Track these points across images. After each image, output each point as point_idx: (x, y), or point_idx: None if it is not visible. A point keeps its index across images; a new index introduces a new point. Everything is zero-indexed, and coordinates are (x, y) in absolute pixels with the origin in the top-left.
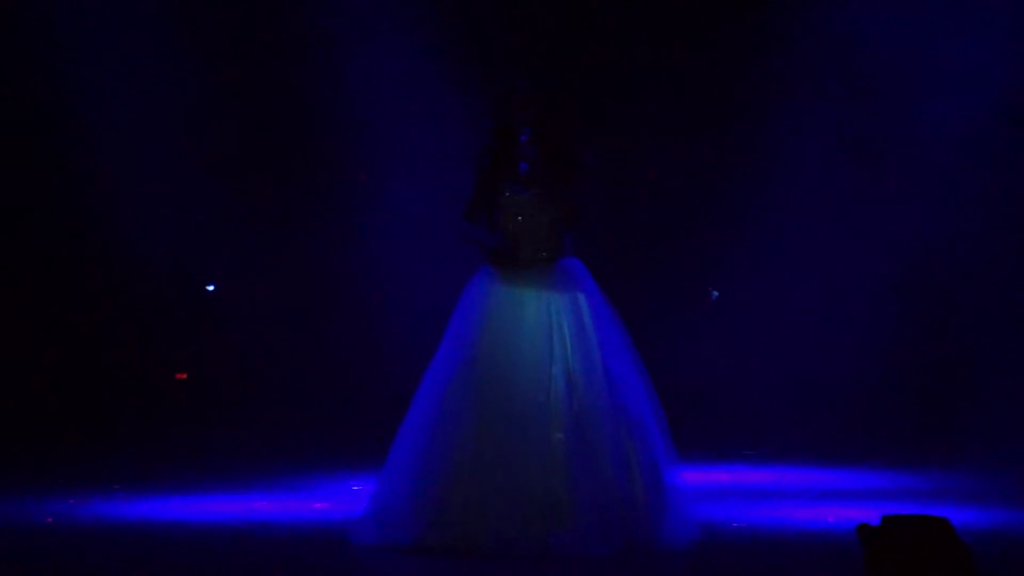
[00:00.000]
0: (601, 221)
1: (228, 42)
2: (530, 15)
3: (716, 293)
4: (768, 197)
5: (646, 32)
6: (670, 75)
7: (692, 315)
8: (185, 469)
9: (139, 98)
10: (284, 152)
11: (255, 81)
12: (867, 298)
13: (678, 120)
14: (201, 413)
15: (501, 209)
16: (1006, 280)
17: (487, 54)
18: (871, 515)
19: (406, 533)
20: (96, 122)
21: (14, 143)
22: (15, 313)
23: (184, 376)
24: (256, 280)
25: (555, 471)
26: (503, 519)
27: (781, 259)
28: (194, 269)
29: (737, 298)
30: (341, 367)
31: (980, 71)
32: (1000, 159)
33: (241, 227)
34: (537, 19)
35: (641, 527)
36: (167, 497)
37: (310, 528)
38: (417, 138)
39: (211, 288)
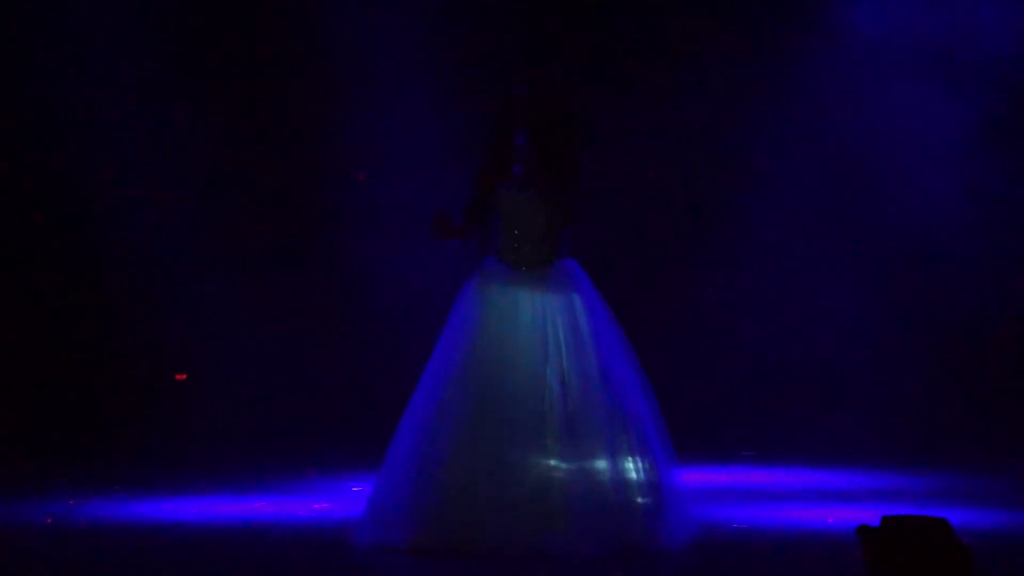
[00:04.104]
0: (598, 222)
1: (229, 48)
2: (532, 18)
3: (714, 293)
4: (767, 197)
5: (646, 35)
6: (668, 75)
7: (690, 315)
8: (185, 470)
9: (142, 99)
10: (284, 152)
11: (255, 83)
12: (868, 299)
13: (675, 120)
14: (201, 413)
15: (497, 209)
16: (1005, 280)
17: (490, 57)
18: (871, 516)
19: (403, 534)
20: (99, 122)
21: (14, 141)
22: (14, 313)
23: (184, 377)
24: (255, 280)
25: (549, 472)
26: (498, 520)
27: (781, 259)
28: (195, 269)
29: (736, 298)
30: (340, 368)
31: (968, 73)
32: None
33: (243, 227)
34: (539, 21)
35: (637, 528)
36: (167, 497)
37: (310, 529)
38: (416, 139)
39: (212, 289)
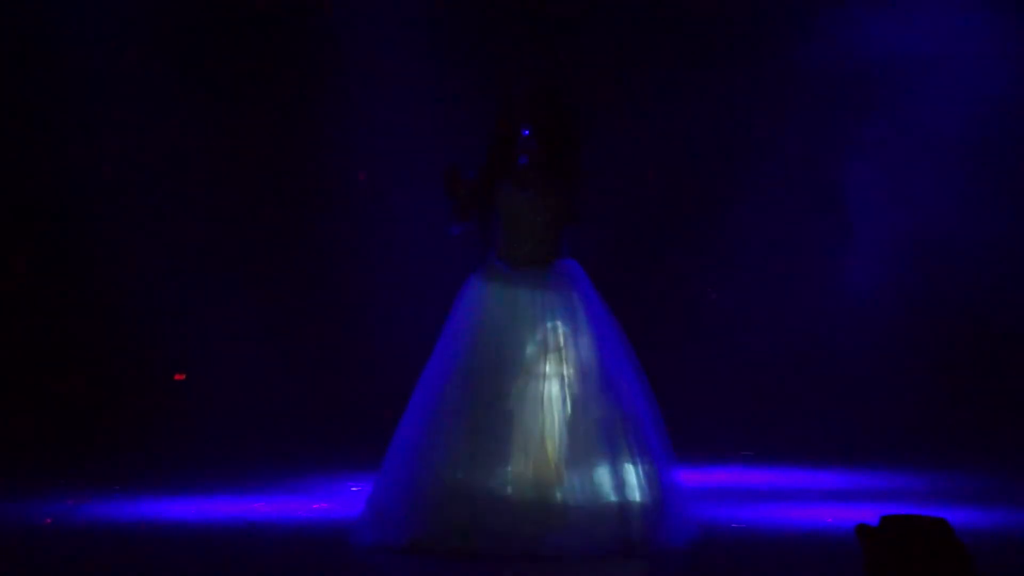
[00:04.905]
0: (598, 222)
1: (225, 48)
2: (531, 19)
3: (715, 294)
4: (766, 196)
5: (646, 35)
6: (669, 75)
7: (690, 314)
8: (184, 469)
9: (143, 100)
10: (283, 152)
11: (255, 82)
12: (866, 299)
13: (676, 120)
14: (200, 413)
15: (498, 208)
16: (1005, 280)
17: (490, 56)
18: (870, 515)
19: (402, 533)
20: (100, 122)
21: (13, 141)
22: (14, 313)
23: (183, 377)
24: (255, 280)
25: (549, 472)
26: (497, 519)
27: (781, 258)
28: (194, 268)
29: (736, 298)
30: (340, 367)
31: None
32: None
33: (241, 227)
34: (539, 22)
35: (636, 527)
36: (167, 497)
37: (309, 529)
38: (415, 139)
39: (212, 289)
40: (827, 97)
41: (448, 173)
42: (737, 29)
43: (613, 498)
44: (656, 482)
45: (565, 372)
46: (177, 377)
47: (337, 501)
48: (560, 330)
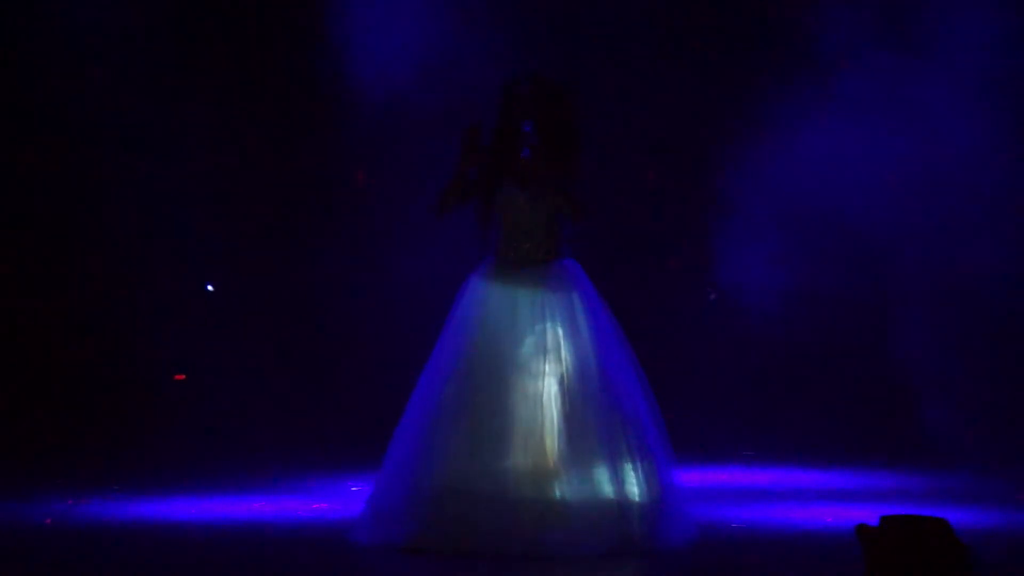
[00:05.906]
0: (598, 221)
1: (227, 50)
2: (532, 18)
3: (714, 295)
4: (766, 196)
5: (644, 37)
6: (669, 72)
7: (690, 314)
8: (184, 470)
9: (144, 100)
10: (283, 152)
11: (252, 80)
12: (867, 298)
13: (675, 118)
14: (200, 414)
15: (499, 207)
16: (1006, 280)
17: (490, 54)
18: (870, 515)
19: (401, 533)
20: (96, 120)
21: (16, 141)
22: (13, 312)
23: (183, 377)
24: (255, 280)
25: (548, 471)
26: (496, 519)
27: (780, 257)
28: (194, 268)
29: (735, 298)
30: (340, 367)
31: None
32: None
33: (241, 226)
34: (540, 22)
35: (635, 527)
36: (166, 498)
37: (308, 528)
38: (415, 138)
39: (210, 288)
40: (831, 92)
41: (470, 130)
42: (739, 24)
43: (613, 498)
44: (655, 482)
45: (564, 371)
46: (177, 377)
47: (337, 501)
48: (559, 329)
